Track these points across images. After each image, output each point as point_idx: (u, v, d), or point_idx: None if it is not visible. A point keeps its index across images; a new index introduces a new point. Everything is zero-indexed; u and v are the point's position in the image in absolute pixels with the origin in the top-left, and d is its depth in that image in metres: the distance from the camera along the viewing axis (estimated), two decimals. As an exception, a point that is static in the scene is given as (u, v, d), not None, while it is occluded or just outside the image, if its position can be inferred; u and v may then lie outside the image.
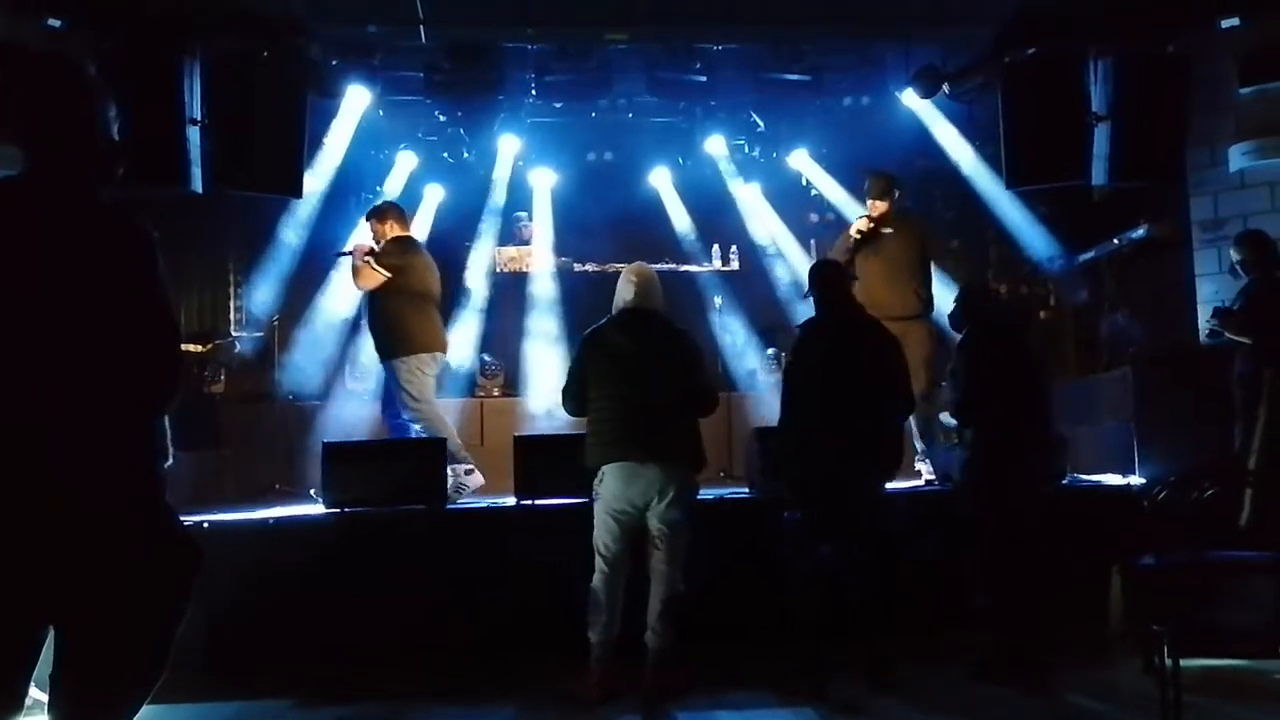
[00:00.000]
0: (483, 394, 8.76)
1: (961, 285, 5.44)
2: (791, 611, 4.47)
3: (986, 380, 4.56)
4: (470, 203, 9.72)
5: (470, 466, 6.45)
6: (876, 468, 4.59)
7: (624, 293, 4.61)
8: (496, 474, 6.48)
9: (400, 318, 6.34)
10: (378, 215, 6.75)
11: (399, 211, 6.83)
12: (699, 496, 4.71)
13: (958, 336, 5.00)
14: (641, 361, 4.45)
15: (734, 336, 9.17)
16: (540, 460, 5.83)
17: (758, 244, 9.92)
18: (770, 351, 8.89)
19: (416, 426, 6.34)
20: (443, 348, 6.57)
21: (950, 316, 5.02)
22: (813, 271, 4.94)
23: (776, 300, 9.55)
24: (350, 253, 6.64)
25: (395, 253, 6.52)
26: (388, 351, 6.40)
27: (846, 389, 4.50)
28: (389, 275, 6.40)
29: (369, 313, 6.59)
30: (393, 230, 6.70)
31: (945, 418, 5.83)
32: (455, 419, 7.99)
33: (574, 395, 4.57)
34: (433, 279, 6.58)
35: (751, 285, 9.67)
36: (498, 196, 9.75)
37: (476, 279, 9.40)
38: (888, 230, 6.54)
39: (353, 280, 6.56)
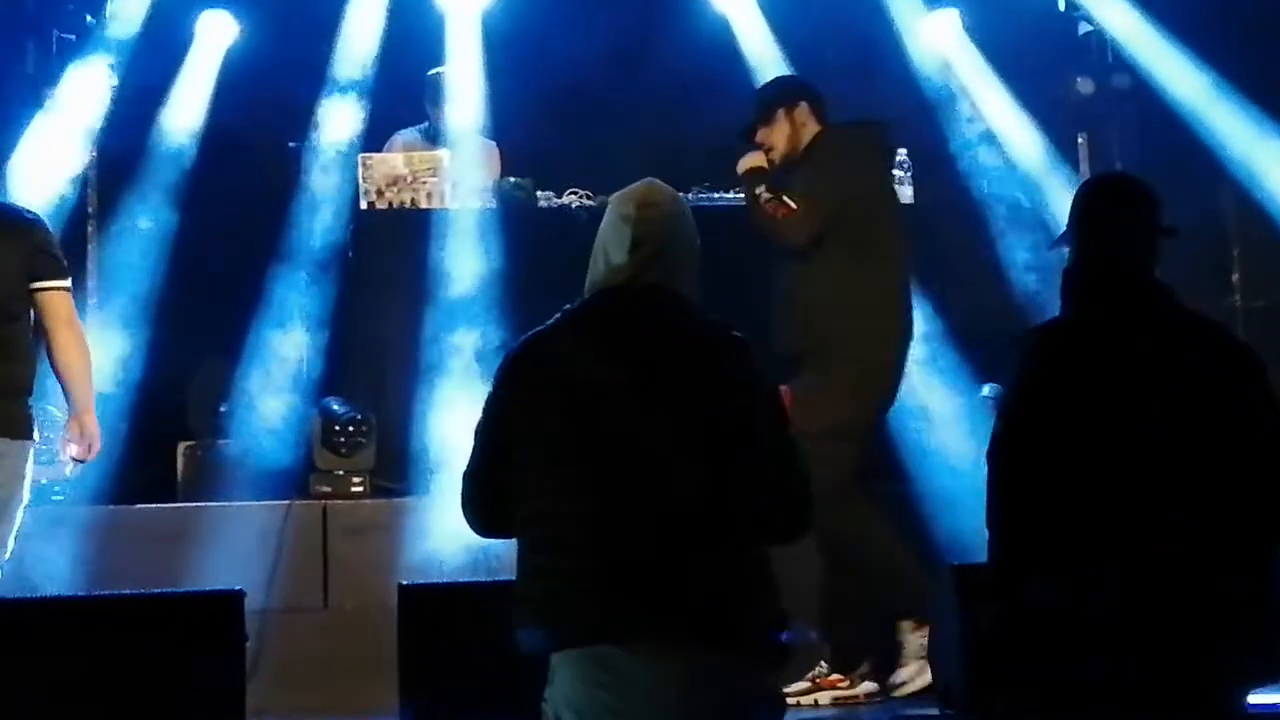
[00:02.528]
0: (328, 490, 7.86)
1: None
2: None
3: None
4: (297, 51, 9.01)
5: None
6: (1234, 660, 4.03)
7: (610, 248, 4.25)
8: (357, 661, 6.49)
9: None
10: None
11: None
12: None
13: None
14: (638, 412, 3.98)
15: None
16: (452, 637, 5.55)
17: (958, 145, 9.22)
18: (987, 391, 8.39)
19: None
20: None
21: None
22: (1081, 198, 4.77)
23: (1001, 271, 8.69)
24: None
25: None
26: None
27: (1150, 477, 4.09)
28: None
29: None
30: None
31: None
32: (269, 547, 7.32)
33: (486, 488, 4.17)
34: None
35: (945, 237, 8.51)
36: (360, 39, 8.99)
37: (317, 226, 8.70)
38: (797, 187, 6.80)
39: None
